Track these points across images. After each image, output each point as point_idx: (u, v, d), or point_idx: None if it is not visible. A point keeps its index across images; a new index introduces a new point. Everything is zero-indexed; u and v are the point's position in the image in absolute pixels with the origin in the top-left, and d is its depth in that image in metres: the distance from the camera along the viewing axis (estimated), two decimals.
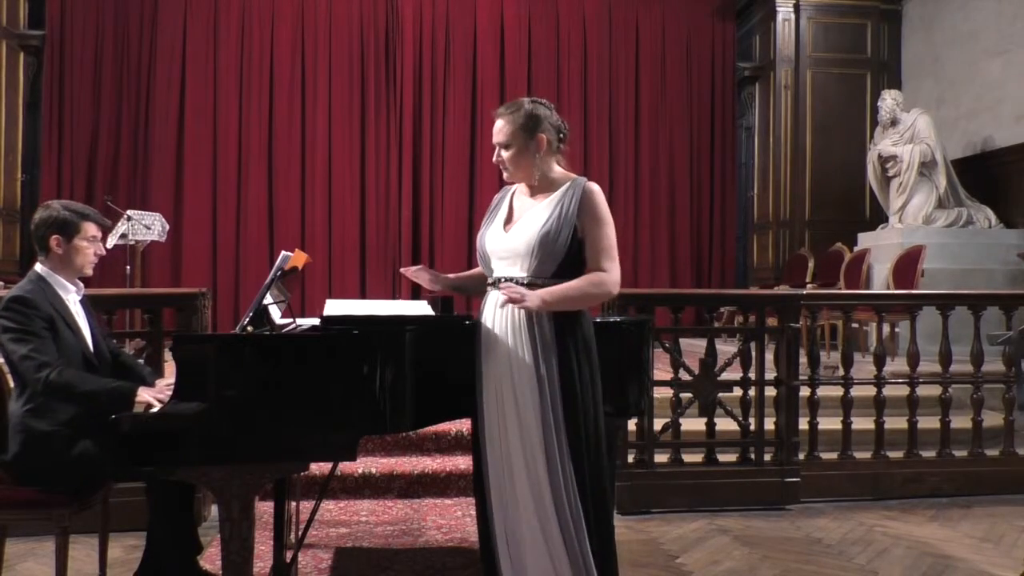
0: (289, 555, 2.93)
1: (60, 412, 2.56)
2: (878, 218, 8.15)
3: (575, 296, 2.36)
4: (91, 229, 2.72)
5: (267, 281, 2.57)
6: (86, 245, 2.71)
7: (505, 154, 2.44)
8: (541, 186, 2.46)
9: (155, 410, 2.40)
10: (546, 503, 2.32)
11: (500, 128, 2.45)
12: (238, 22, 8.44)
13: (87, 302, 2.83)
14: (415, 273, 2.51)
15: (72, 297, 2.73)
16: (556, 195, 2.43)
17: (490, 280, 2.46)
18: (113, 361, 2.88)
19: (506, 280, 2.39)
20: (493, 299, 2.42)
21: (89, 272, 2.76)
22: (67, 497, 2.55)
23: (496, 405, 2.36)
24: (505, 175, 2.50)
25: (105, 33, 8.25)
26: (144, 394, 2.60)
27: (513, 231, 2.43)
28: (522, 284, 2.36)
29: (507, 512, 2.35)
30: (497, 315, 2.39)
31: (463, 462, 4.29)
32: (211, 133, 8.37)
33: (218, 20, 8.40)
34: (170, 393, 2.52)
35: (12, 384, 2.66)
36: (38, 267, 2.70)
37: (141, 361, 3.31)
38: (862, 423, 4.39)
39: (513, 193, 2.55)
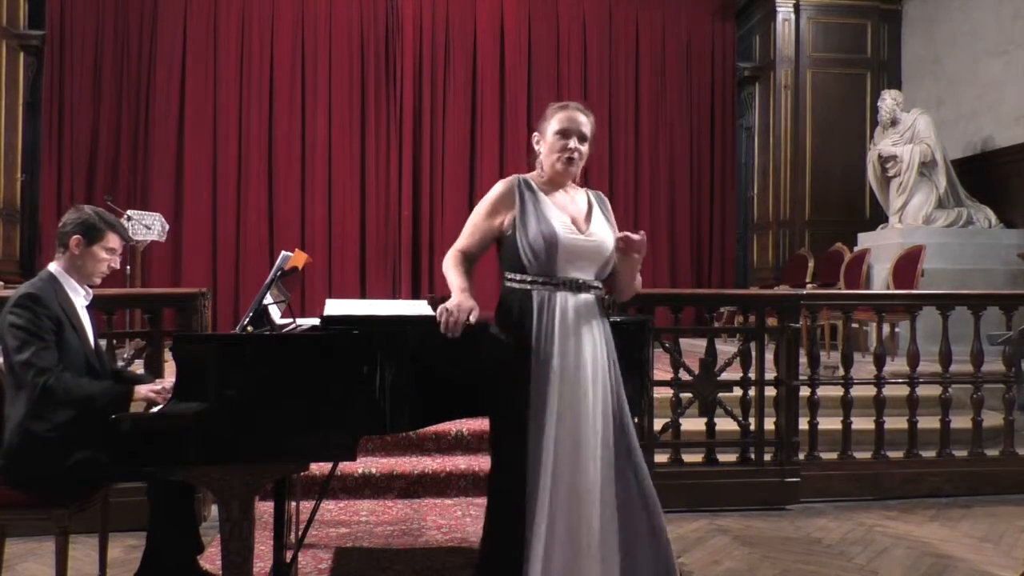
0: (289, 555, 2.93)
1: (59, 414, 2.56)
2: (878, 218, 8.15)
3: None
4: (113, 240, 2.73)
5: (267, 281, 2.57)
6: (104, 255, 2.72)
7: (584, 148, 2.46)
8: (569, 187, 2.50)
9: (155, 410, 2.40)
10: (628, 502, 2.34)
11: (588, 124, 2.47)
12: (238, 22, 8.44)
13: (92, 310, 2.83)
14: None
15: (80, 301, 2.74)
16: (591, 200, 2.49)
17: (555, 280, 2.34)
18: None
19: (580, 282, 2.35)
20: (572, 300, 2.34)
21: (97, 281, 2.78)
22: (66, 498, 2.55)
23: (573, 404, 2.28)
24: (566, 167, 2.43)
25: (105, 33, 8.25)
26: (142, 390, 2.64)
27: (592, 234, 2.39)
28: (596, 290, 2.40)
29: (565, 514, 2.23)
30: (575, 316, 2.33)
31: (463, 462, 4.29)
32: (211, 133, 8.37)
33: (218, 20, 8.41)
34: (167, 389, 2.54)
35: (8, 385, 2.65)
36: (52, 266, 2.72)
37: (142, 372, 3.34)
38: (862, 423, 4.39)
39: (536, 190, 2.44)
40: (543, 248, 2.33)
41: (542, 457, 2.25)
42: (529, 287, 2.35)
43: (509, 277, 2.40)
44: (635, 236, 2.34)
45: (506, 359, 2.33)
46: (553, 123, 2.44)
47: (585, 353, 2.31)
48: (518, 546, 2.23)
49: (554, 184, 2.46)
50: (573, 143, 2.42)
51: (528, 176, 2.49)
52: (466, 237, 2.46)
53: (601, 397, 2.32)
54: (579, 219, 2.41)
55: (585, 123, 2.45)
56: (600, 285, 2.42)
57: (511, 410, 2.31)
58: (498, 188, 2.46)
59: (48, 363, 2.52)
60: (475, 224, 2.46)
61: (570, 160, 2.43)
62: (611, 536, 2.28)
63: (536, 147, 2.50)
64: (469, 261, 2.45)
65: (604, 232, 2.42)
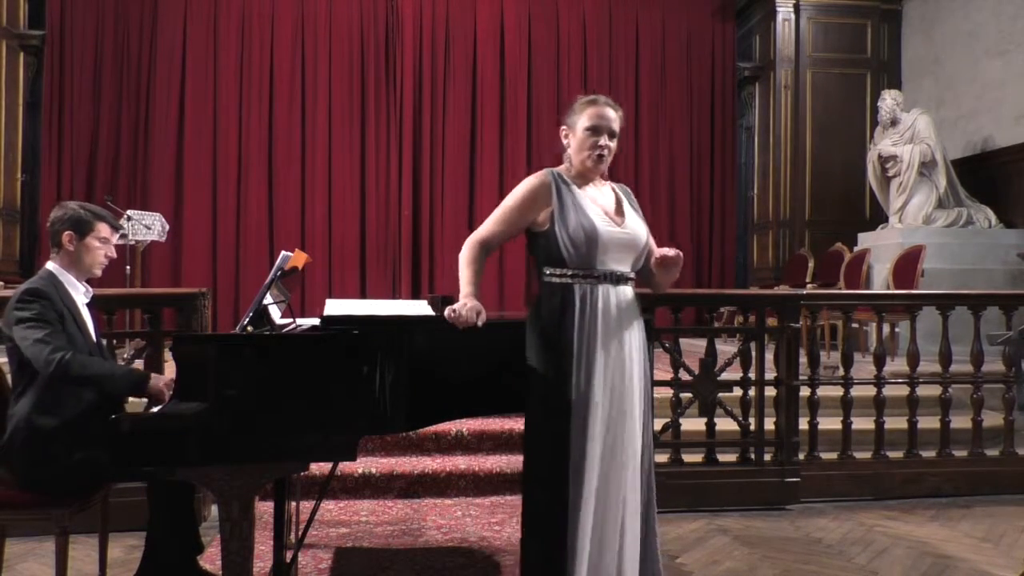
0: (289, 555, 2.93)
1: (68, 407, 2.56)
2: (878, 218, 8.15)
3: None
4: (104, 230, 2.74)
5: (267, 281, 2.57)
6: (98, 245, 2.73)
7: (613, 144, 2.46)
8: (596, 181, 2.49)
9: (155, 410, 2.40)
10: (644, 499, 2.37)
11: (617, 119, 2.46)
12: (238, 22, 8.44)
13: (93, 307, 2.84)
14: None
15: (81, 298, 2.74)
16: (618, 194, 2.49)
17: (595, 273, 2.34)
18: None
19: (619, 274, 2.38)
20: (613, 294, 2.36)
21: (98, 273, 2.78)
22: (67, 497, 2.55)
23: (616, 399, 2.30)
24: (596, 164, 2.43)
25: (105, 33, 8.25)
26: (159, 381, 2.64)
27: (627, 226, 2.41)
28: (632, 281, 2.43)
29: (605, 510, 2.27)
30: (617, 311, 2.34)
31: (463, 462, 4.29)
32: (211, 133, 8.37)
33: (218, 20, 8.40)
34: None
35: (12, 384, 2.66)
36: (50, 264, 2.73)
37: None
38: (862, 423, 4.39)
39: (570, 184, 2.42)
40: (583, 241, 2.33)
41: (585, 465, 2.26)
42: (570, 280, 2.34)
43: (548, 272, 2.37)
44: (670, 253, 2.38)
45: (547, 358, 2.32)
46: (583, 119, 2.42)
47: (629, 359, 2.34)
48: (560, 558, 2.25)
49: (583, 178, 2.46)
50: (603, 140, 2.42)
51: (559, 170, 2.47)
52: (492, 225, 2.43)
53: (640, 402, 2.36)
54: (612, 212, 2.43)
55: (614, 118, 2.44)
56: (634, 276, 2.44)
57: (552, 415, 2.29)
58: (532, 182, 2.42)
59: (62, 343, 2.54)
60: (505, 214, 2.42)
61: (600, 157, 2.42)
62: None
63: (564, 141, 2.48)
64: (487, 252, 2.44)
65: (637, 224, 2.44)
